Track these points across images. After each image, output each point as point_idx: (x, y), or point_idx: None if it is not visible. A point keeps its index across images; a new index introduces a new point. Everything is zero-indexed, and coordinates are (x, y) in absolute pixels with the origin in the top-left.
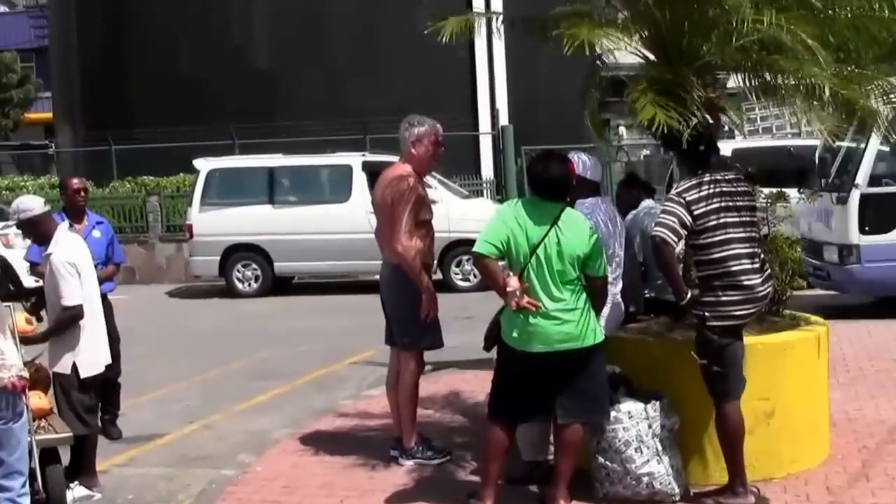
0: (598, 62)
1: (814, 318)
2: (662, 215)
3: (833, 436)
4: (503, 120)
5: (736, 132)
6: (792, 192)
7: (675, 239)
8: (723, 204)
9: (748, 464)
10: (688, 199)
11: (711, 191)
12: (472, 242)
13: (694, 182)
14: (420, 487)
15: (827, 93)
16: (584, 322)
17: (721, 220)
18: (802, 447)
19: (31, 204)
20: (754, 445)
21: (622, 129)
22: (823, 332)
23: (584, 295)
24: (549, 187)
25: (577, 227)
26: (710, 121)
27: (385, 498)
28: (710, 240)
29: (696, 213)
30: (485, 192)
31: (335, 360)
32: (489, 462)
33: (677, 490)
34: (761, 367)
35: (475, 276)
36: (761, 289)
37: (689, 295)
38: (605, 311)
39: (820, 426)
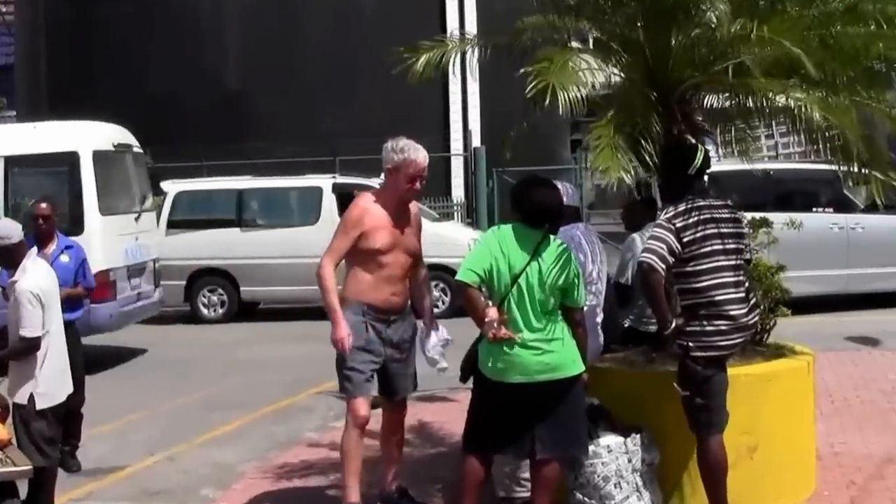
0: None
1: (799, 347)
2: (651, 241)
3: (819, 470)
4: (475, 141)
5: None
6: (776, 217)
7: (663, 266)
8: (711, 231)
9: (730, 500)
10: (677, 225)
11: (700, 217)
12: (442, 267)
13: (683, 208)
14: None
15: (817, 117)
16: (563, 352)
17: (709, 248)
18: (787, 483)
19: (10, 231)
20: (737, 481)
21: None
22: (810, 361)
23: (563, 324)
24: (541, 214)
25: (558, 255)
26: (694, 142)
27: None
28: (697, 268)
29: (684, 239)
30: (455, 214)
31: (301, 389)
32: (464, 497)
33: None
34: (744, 398)
35: (443, 303)
36: (747, 318)
37: (673, 324)
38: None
39: (806, 461)
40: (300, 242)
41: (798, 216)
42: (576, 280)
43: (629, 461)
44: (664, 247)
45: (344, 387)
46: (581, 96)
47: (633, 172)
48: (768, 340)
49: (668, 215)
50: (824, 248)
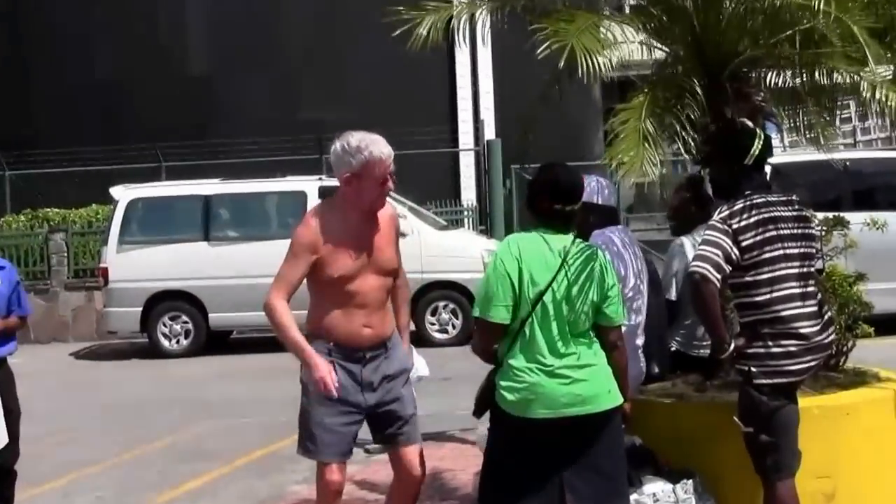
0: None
1: (885, 373)
2: (704, 247)
3: None
4: (489, 134)
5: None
6: (853, 217)
7: (719, 276)
8: (775, 233)
9: None
10: (735, 227)
11: (762, 216)
12: (451, 284)
13: (740, 206)
14: None
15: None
16: (597, 381)
17: (771, 254)
18: None
19: None
20: None
21: None
22: None
23: (597, 348)
24: (560, 199)
25: (591, 264)
26: (751, 127)
27: None
28: (758, 277)
29: (743, 244)
30: (466, 220)
31: (283, 435)
32: None
33: None
34: (819, 436)
35: (454, 327)
36: (820, 337)
37: (731, 346)
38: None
39: None
40: (280, 258)
41: (881, 215)
42: (612, 293)
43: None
44: (720, 253)
45: (305, 447)
46: (611, 64)
47: (660, 167)
48: (845, 365)
49: (722, 215)
50: None
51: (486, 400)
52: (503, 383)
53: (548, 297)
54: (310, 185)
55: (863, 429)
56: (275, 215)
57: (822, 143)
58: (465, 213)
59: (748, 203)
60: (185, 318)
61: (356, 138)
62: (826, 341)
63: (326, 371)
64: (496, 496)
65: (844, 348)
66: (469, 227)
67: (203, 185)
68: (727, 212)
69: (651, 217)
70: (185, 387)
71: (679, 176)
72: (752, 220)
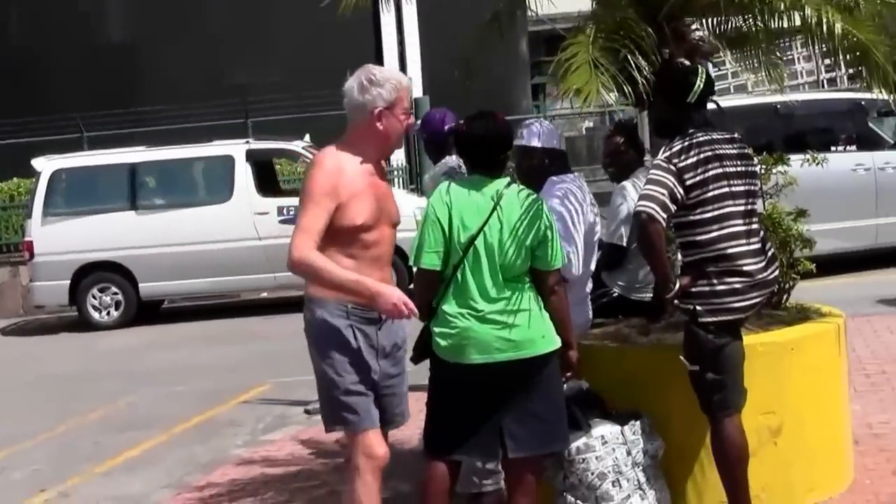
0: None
1: (826, 308)
2: (649, 186)
3: (857, 456)
4: (417, 91)
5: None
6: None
7: (665, 215)
8: (720, 171)
9: (753, 495)
10: (679, 165)
11: (707, 154)
12: None
13: (684, 144)
14: None
15: (838, 30)
16: (530, 326)
17: (716, 192)
18: (820, 471)
19: None
20: (759, 471)
21: None
22: (840, 324)
23: (532, 293)
24: (488, 149)
25: (525, 208)
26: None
27: None
28: (703, 216)
29: (688, 182)
30: (396, 180)
31: (221, 400)
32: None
33: None
34: (763, 372)
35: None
36: (764, 274)
37: (676, 285)
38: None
39: (840, 444)
40: (210, 225)
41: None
42: (547, 236)
43: (628, 454)
44: (665, 192)
45: (343, 419)
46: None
47: (616, 94)
48: (788, 303)
49: (666, 154)
50: (848, 194)
51: (424, 346)
52: (437, 329)
53: (479, 242)
54: (237, 150)
55: (807, 364)
56: (202, 181)
57: (770, 84)
58: (395, 171)
59: (692, 141)
60: (114, 289)
61: (377, 69)
62: (770, 278)
63: (398, 294)
64: (439, 443)
65: (787, 286)
66: (398, 187)
67: (128, 153)
68: (671, 150)
69: (582, 170)
70: (117, 358)
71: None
72: (696, 158)
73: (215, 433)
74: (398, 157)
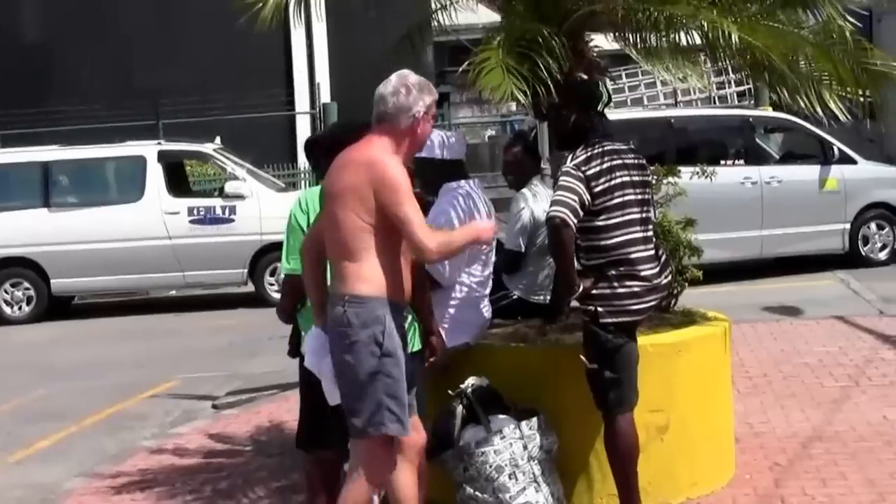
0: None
1: (712, 313)
2: (561, 193)
3: (738, 453)
4: (325, 97)
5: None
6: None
7: (575, 221)
8: (622, 180)
9: (640, 488)
10: (588, 173)
11: (611, 163)
12: None
13: (591, 153)
14: None
15: (735, 40)
16: None
17: (620, 199)
18: (703, 467)
19: None
20: (646, 466)
21: None
22: (725, 328)
23: None
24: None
25: None
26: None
27: None
28: (608, 222)
29: (595, 189)
30: (303, 183)
31: (129, 394)
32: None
33: None
34: (653, 372)
35: None
36: (659, 279)
37: (580, 288)
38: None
39: (723, 441)
40: (121, 223)
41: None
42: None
43: (524, 448)
44: (576, 198)
45: (399, 421)
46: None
47: (528, 94)
48: (675, 307)
49: (575, 162)
50: (736, 206)
51: (297, 340)
52: (303, 322)
53: None
54: (149, 150)
55: (694, 365)
56: (114, 180)
57: (645, 103)
58: (302, 175)
59: (598, 150)
60: (26, 284)
61: (412, 74)
62: (663, 283)
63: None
64: (306, 433)
65: (675, 291)
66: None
67: (41, 151)
68: (579, 158)
69: (483, 176)
70: (28, 352)
71: (506, 135)
72: (602, 166)
73: (124, 426)
74: (305, 161)
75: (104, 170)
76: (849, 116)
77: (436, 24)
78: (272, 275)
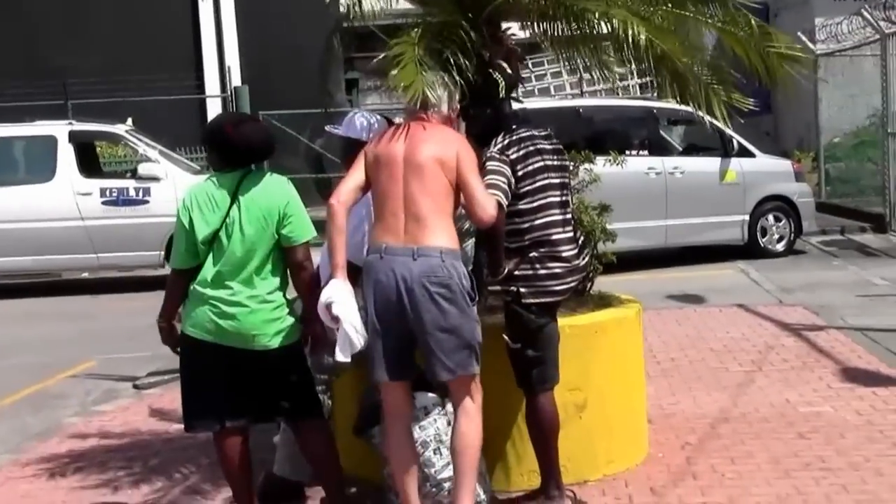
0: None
1: (624, 296)
2: (493, 177)
3: (650, 433)
4: (236, 80)
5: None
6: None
7: (506, 203)
8: (542, 164)
9: (560, 465)
10: (512, 157)
11: (531, 148)
12: None
13: (512, 139)
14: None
15: (643, 39)
16: (246, 321)
17: (541, 183)
18: (619, 445)
19: None
20: (565, 444)
21: None
22: (638, 310)
23: (265, 292)
24: (241, 155)
25: (263, 186)
26: (510, 71)
27: None
28: (530, 205)
29: (519, 173)
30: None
31: (47, 374)
32: (227, 476)
33: (483, 497)
34: (571, 352)
35: None
36: (578, 260)
37: (505, 269)
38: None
39: (637, 421)
40: (33, 204)
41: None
42: (289, 212)
43: (448, 424)
44: (505, 181)
45: (475, 365)
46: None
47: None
48: (590, 291)
49: (499, 146)
50: (641, 196)
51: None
52: (185, 311)
53: (222, 234)
54: (59, 130)
55: (610, 346)
56: (24, 160)
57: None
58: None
59: (518, 136)
60: None
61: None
62: (581, 264)
63: None
64: (188, 410)
65: (590, 274)
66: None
67: None
68: (501, 144)
69: None
70: None
71: None
72: (523, 151)
73: (46, 405)
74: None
75: (14, 149)
76: (741, 119)
77: (345, 9)
78: None
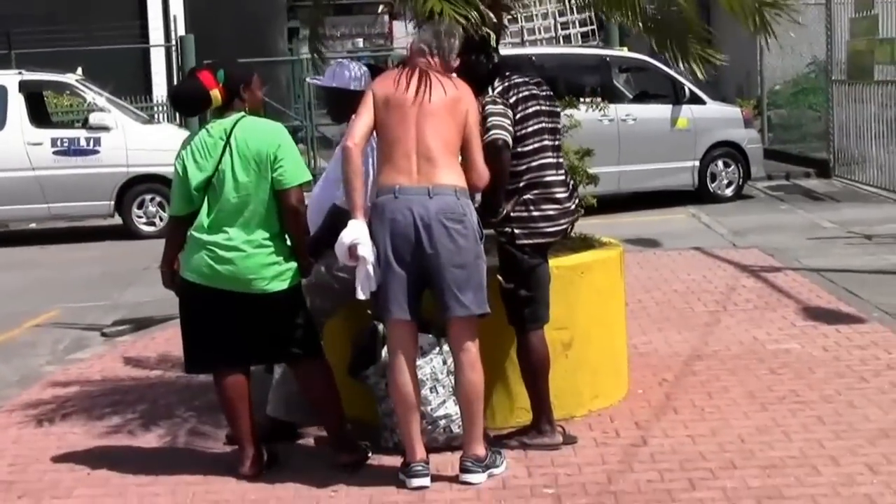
0: None
1: (606, 238)
2: (496, 118)
3: (628, 371)
4: (181, 29)
5: None
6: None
7: (511, 144)
8: (537, 108)
9: None
10: (511, 100)
11: (526, 93)
12: (156, 178)
13: (506, 84)
14: (176, 451)
15: None
16: (242, 266)
17: (536, 126)
18: (603, 381)
19: None
20: (553, 381)
21: None
22: (620, 252)
23: (261, 237)
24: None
25: (254, 131)
26: (495, 20)
27: (139, 463)
28: (526, 148)
29: (517, 116)
30: (158, 116)
31: (11, 324)
32: (230, 416)
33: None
34: (557, 292)
35: (161, 220)
36: (569, 203)
37: (504, 211)
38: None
39: (619, 359)
40: None
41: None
42: (280, 155)
43: (444, 363)
44: (508, 122)
45: (486, 301)
46: None
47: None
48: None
49: (497, 91)
50: (595, 143)
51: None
52: (185, 255)
53: (216, 179)
54: (10, 80)
55: (594, 286)
56: None
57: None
58: (158, 108)
59: (514, 81)
60: None
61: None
62: (572, 207)
63: None
64: (188, 353)
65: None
66: (163, 122)
67: None
68: (501, 87)
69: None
70: None
71: None
72: (520, 95)
73: (16, 353)
74: (161, 94)
75: None
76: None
77: None
78: (140, 207)
